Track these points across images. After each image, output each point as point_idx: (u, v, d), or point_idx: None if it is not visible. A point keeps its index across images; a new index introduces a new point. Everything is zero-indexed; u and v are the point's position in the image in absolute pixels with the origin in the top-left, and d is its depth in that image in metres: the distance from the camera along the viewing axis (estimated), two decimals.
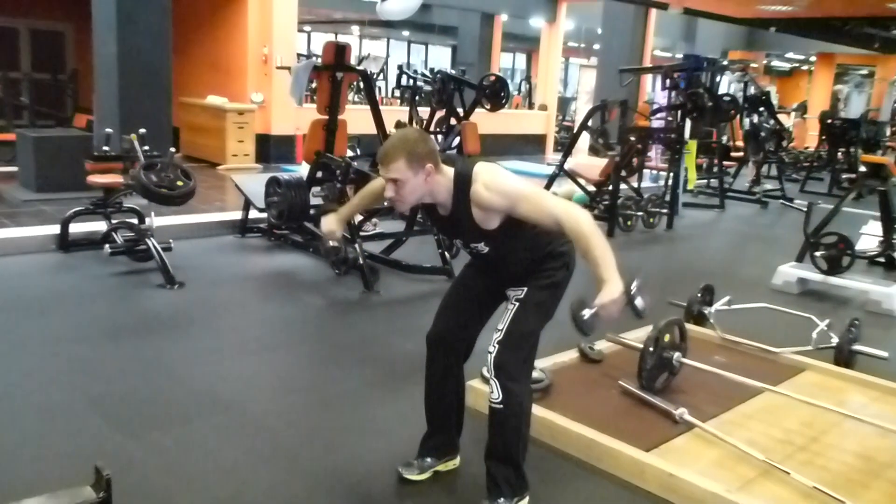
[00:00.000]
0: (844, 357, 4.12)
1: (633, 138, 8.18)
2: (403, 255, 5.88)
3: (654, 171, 10.65)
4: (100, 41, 7.50)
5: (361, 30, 20.17)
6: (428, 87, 8.33)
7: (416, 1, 11.24)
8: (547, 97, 15.19)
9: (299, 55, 10.93)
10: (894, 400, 3.71)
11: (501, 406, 2.49)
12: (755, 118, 11.33)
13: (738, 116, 11.24)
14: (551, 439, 3.09)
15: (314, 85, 6.38)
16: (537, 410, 2.89)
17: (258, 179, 6.49)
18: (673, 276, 6.46)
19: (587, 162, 9.46)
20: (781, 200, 10.64)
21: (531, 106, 16.04)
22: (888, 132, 14.60)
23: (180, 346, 4.06)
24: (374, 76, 8.34)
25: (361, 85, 8.77)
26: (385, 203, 5.80)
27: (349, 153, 6.28)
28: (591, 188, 8.36)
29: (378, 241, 5.95)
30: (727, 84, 12.52)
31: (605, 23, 14.59)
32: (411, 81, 9.39)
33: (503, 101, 7.81)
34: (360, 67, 6.38)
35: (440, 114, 7.98)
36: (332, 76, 5.81)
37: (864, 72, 23.65)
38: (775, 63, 27.96)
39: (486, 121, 8.65)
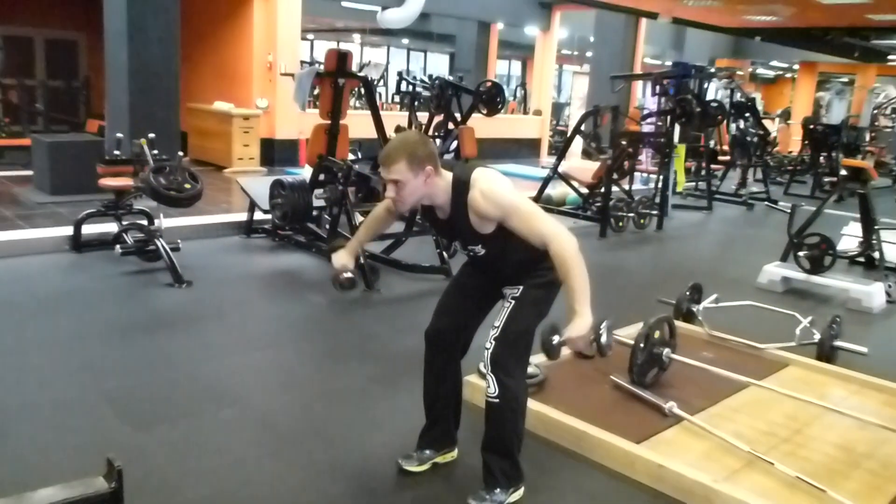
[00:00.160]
0: (826, 353, 4.13)
1: (624, 142, 8.17)
2: (403, 254, 5.88)
3: (645, 174, 10.65)
4: (111, 50, 7.50)
5: (362, 38, 20.14)
6: (427, 93, 8.32)
7: (416, 10, 11.27)
8: (541, 103, 15.17)
9: (302, 62, 10.92)
10: (873, 393, 3.73)
11: (498, 400, 2.49)
12: (741, 123, 11.35)
13: (725, 122, 11.25)
14: (546, 432, 3.09)
15: (317, 91, 6.36)
16: (532, 404, 2.90)
17: (263, 182, 6.49)
18: (662, 275, 6.47)
19: (580, 165, 9.46)
20: (766, 202, 10.65)
21: (526, 111, 16.03)
22: (867, 137, 14.63)
23: (188, 343, 4.06)
24: (375, 82, 8.30)
25: (362, 91, 8.76)
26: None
27: (350, 156, 6.28)
28: (584, 190, 8.36)
29: (378, 242, 5.94)
30: (714, 90, 12.50)
31: (597, 31, 14.58)
32: (410, 87, 9.36)
33: (499, 107, 7.81)
34: (361, 74, 6.37)
35: (438, 118, 7.97)
36: (335, 82, 5.80)
37: (845, 80, 23.65)
38: (760, 71, 27.97)
39: (482, 125, 8.65)
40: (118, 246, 5.23)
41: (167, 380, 3.53)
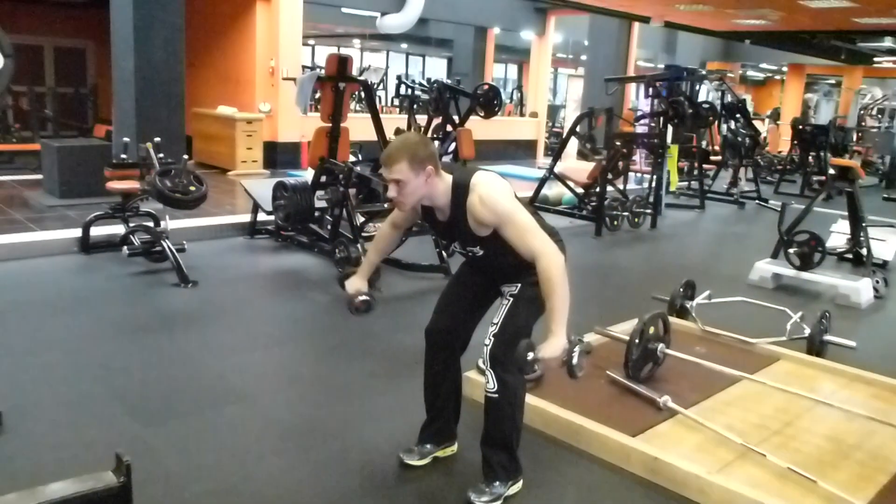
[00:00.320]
0: (816, 347, 4.13)
1: (618, 143, 8.17)
2: (403, 254, 5.86)
3: (639, 174, 10.64)
4: (118, 57, 7.49)
5: (362, 43, 20.13)
6: (425, 96, 8.31)
7: (414, 16, 11.27)
8: (537, 105, 15.17)
9: (304, 67, 10.90)
10: (861, 386, 3.73)
11: (497, 395, 2.49)
12: (732, 124, 11.35)
13: (717, 123, 11.24)
14: (543, 426, 3.09)
15: (318, 95, 6.36)
16: (530, 399, 2.89)
17: (266, 184, 6.48)
18: (656, 273, 6.46)
19: (576, 166, 9.47)
20: (757, 201, 10.64)
21: (522, 113, 16.03)
22: (854, 137, 14.62)
23: (194, 341, 4.05)
24: (375, 86, 8.31)
25: (363, 94, 8.76)
26: (387, 205, 5.79)
27: (351, 158, 6.27)
28: (580, 190, 8.36)
29: None
30: (706, 92, 12.50)
31: (592, 35, 14.59)
32: (409, 91, 9.37)
33: (496, 109, 7.81)
34: (362, 78, 6.37)
35: (437, 121, 7.97)
36: (335, 86, 5.80)
37: (832, 81, 23.67)
38: (750, 73, 27.98)
39: (480, 127, 8.64)
40: (125, 247, 5.23)
41: (174, 377, 3.53)
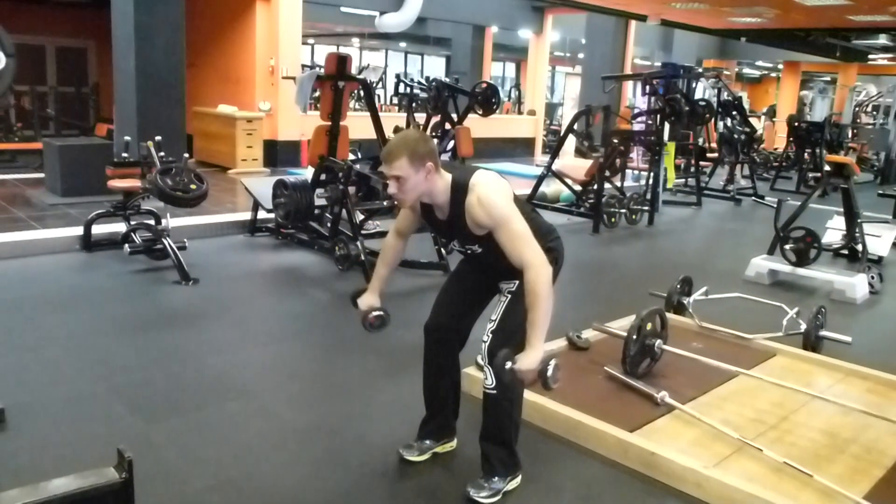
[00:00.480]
0: (812, 342, 4.13)
1: (615, 141, 8.16)
2: None
3: (636, 172, 10.64)
4: (119, 56, 7.48)
5: (361, 42, 20.12)
6: (424, 95, 8.31)
7: (413, 15, 11.26)
8: (535, 103, 15.16)
9: (304, 66, 10.89)
10: (857, 381, 3.73)
11: (495, 391, 2.49)
12: (728, 121, 11.34)
13: (713, 120, 11.24)
14: (542, 422, 3.09)
15: (317, 93, 6.35)
16: (528, 395, 2.89)
17: (266, 182, 6.47)
18: (654, 269, 6.46)
19: (573, 163, 9.45)
20: (753, 198, 10.64)
21: (520, 111, 16.03)
22: (850, 134, 14.62)
23: (195, 338, 4.05)
24: (374, 85, 8.29)
25: (362, 93, 8.75)
26: (386, 203, 5.78)
27: (351, 157, 6.27)
28: (578, 188, 8.35)
29: (378, 240, 5.93)
30: (702, 90, 12.49)
31: (589, 34, 14.57)
32: (408, 89, 9.36)
33: (494, 107, 7.80)
34: (361, 77, 6.36)
35: (436, 119, 7.97)
36: (335, 85, 5.79)
37: (827, 78, 23.64)
38: (746, 70, 27.97)
39: (478, 125, 8.64)
40: (127, 245, 5.22)
41: (175, 374, 3.52)
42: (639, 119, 9.39)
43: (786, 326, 4.18)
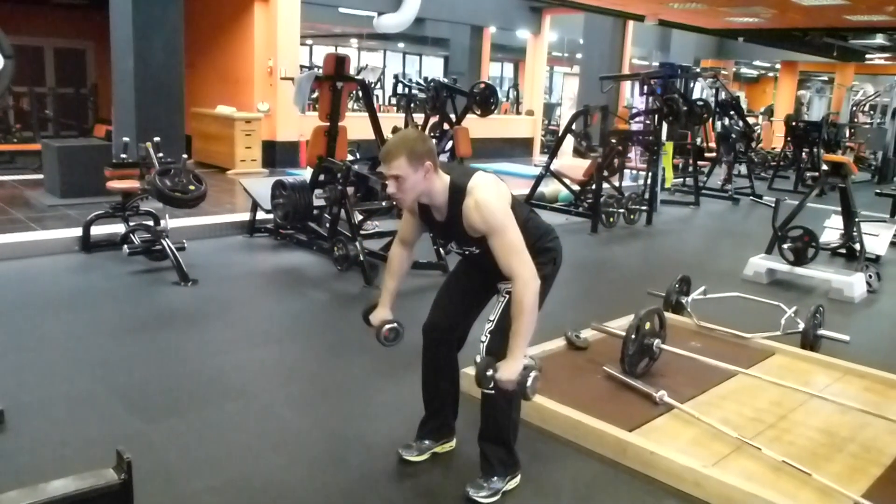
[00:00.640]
0: (810, 341, 4.13)
1: (613, 141, 8.16)
2: None
3: (634, 171, 10.64)
4: (118, 57, 7.48)
5: (360, 42, 20.10)
6: (422, 95, 8.30)
7: (411, 15, 11.25)
8: (533, 103, 15.16)
9: (302, 67, 10.88)
10: (855, 379, 3.73)
11: (493, 391, 2.48)
12: (726, 121, 11.35)
13: (711, 120, 11.24)
14: (541, 421, 3.09)
15: (316, 94, 6.34)
16: None
17: (265, 183, 6.47)
18: (652, 268, 6.47)
19: (571, 163, 9.47)
20: (751, 197, 10.65)
21: (519, 111, 16.03)
22: (847, 133, 14.63)
23: (194, 339, 4.05)
24: (372, 85, 8.29)
25: (360, 94, 8.74)
26: (385, 203, 5.78)
27: (349, 157, 6.26)
28: (576, 187, 8.35)
29: (377, 240, 5.94)
30: (700, 90, 12.50)
31: (587, 34, 14.57)
32: (406, 90, 9.36)
33: (492, 108, 7.79)
34: (359, 77, 6.35)
35: (434, 119, 7.95)
36: (333, 86, 5.78)
37: (825, 78, 23.65)
38: (744, 70, 28.00)
39: (476, 126, 8.63)
40: (126, 246, 5.22)
41: (175, 374, 3.52)
42: (637, 119, 9.39)
43: (784, 325, 4.18)
